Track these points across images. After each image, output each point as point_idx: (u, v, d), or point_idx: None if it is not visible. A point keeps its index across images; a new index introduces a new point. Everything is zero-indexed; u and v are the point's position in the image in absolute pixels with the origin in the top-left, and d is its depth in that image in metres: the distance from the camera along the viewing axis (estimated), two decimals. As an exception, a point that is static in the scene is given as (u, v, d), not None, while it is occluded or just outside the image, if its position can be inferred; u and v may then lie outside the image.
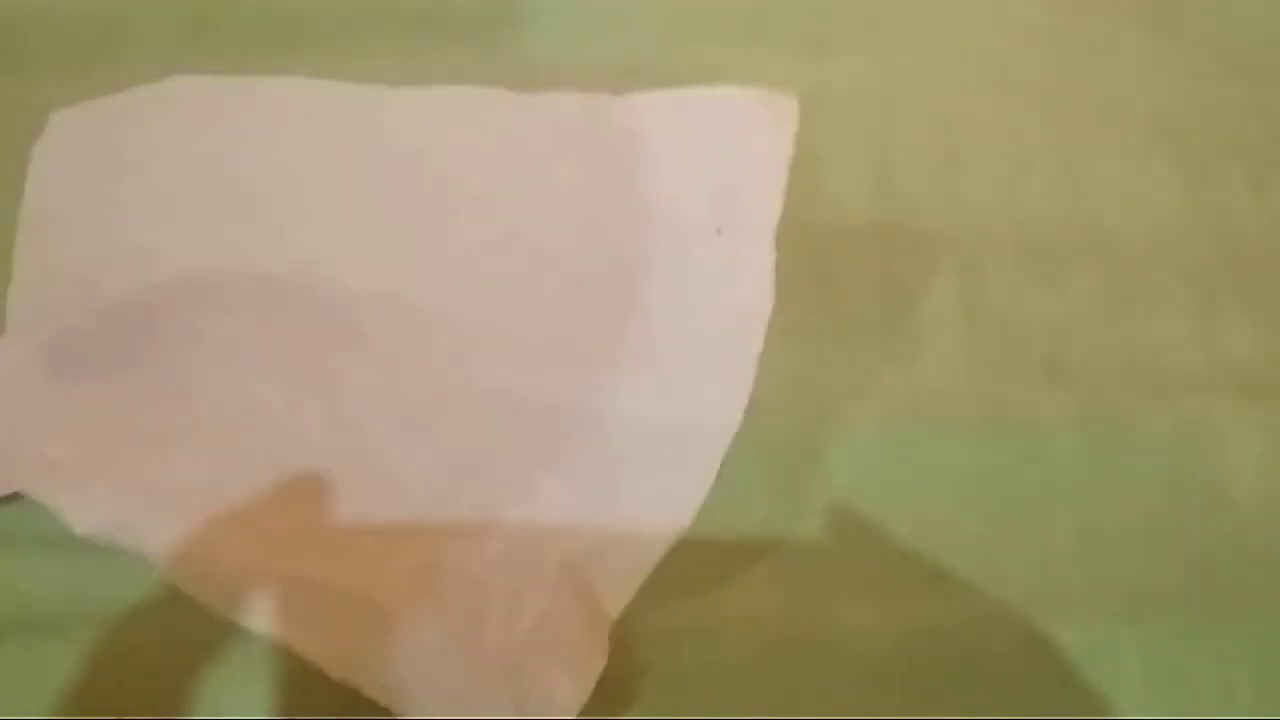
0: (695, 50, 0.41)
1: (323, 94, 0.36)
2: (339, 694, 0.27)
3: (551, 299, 0.33)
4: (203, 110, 0.35)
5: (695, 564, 0.29)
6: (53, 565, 0.30)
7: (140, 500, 0.29)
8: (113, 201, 0.34)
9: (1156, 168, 0.39)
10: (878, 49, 0.41)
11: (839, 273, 0.36)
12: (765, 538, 0.31)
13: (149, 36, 0.39)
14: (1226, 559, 0.31)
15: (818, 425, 0.33)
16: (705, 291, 0.32)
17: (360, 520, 0.30)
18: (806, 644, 0.29)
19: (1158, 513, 0.32)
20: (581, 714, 0.26)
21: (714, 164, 0.34)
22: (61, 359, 0.32)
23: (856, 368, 0.34)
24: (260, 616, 0.27)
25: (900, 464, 0.32)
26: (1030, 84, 0.41)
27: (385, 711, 0.26)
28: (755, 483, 0.31)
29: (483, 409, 0.31)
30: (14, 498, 0.30)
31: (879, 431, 0.32)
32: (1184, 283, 0.36)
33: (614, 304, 0.33)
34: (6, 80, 0.38)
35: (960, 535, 0.31)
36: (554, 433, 0.31)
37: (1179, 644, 0.29)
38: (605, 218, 0.34)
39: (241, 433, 0.31)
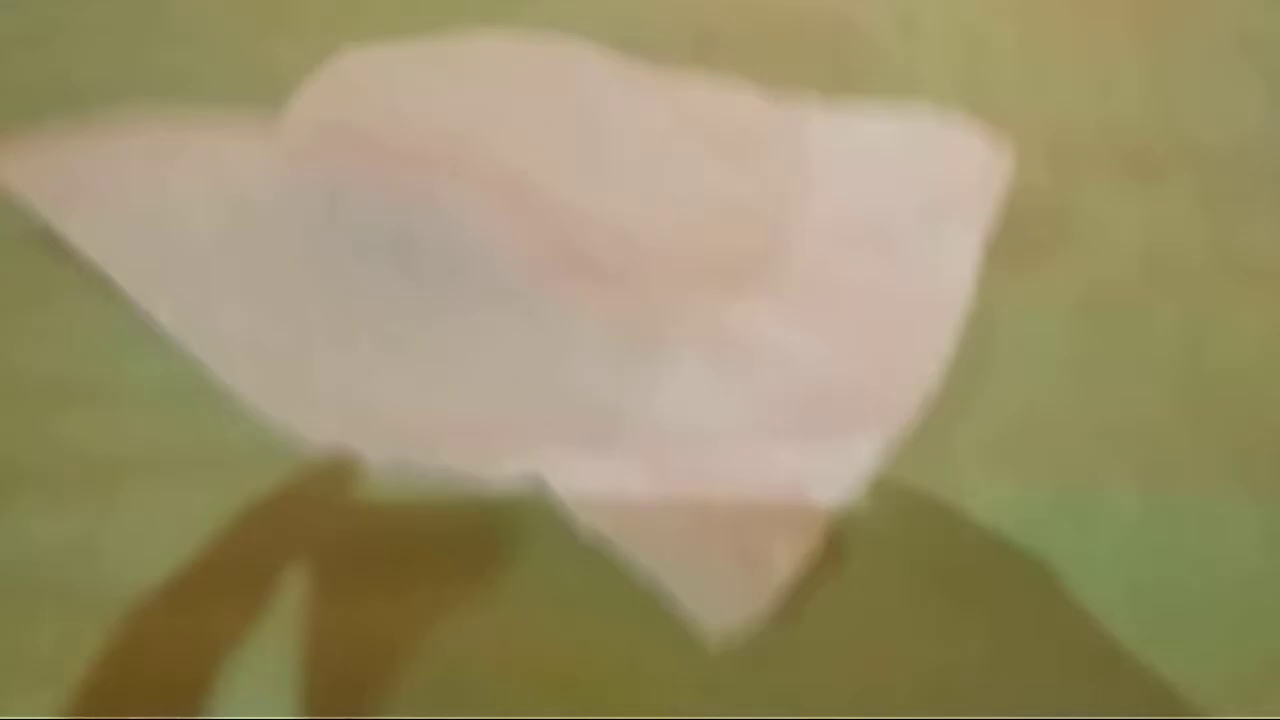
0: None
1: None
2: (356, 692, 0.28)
3: (752, 261, 0.35)
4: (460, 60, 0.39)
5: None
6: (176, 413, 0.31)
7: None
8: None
9: (1242, 80, 0.40)
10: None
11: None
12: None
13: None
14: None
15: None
16: (907, 275, 0.34)
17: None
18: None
19: (1257, 390, 0.32)
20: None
21: (929, 176, 0.36)
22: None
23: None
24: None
25: (1003, 346, 0.33)
26: (1113, 6, 0.42)
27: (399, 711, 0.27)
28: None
29: (694, 341, 0.32)
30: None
31: (984, 315, 0.33)
32: (1271, 191, 0.37)
33: (817, 274, 0.34)
34: None
35: (1066, 413, 0.31)
36: (759, 378, 0.32)
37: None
38: (810, 194, 0.36)
39: (469, 354, 0.32)
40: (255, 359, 0.32)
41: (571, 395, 0.31)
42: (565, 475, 0.29)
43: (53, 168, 0.34)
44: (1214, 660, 0.27)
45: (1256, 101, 0.39)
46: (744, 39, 0.41)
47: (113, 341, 0.32)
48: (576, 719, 0.26)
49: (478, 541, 0.29)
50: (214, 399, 0.31)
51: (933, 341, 0.32)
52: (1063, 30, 0.41)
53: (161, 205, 0.34)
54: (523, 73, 0.38)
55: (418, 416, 0.31)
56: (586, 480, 0.29)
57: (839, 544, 0.29)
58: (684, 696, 0.27)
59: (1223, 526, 0.29)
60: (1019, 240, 0.35)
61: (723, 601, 0.28)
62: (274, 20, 0.41)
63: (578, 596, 0.28)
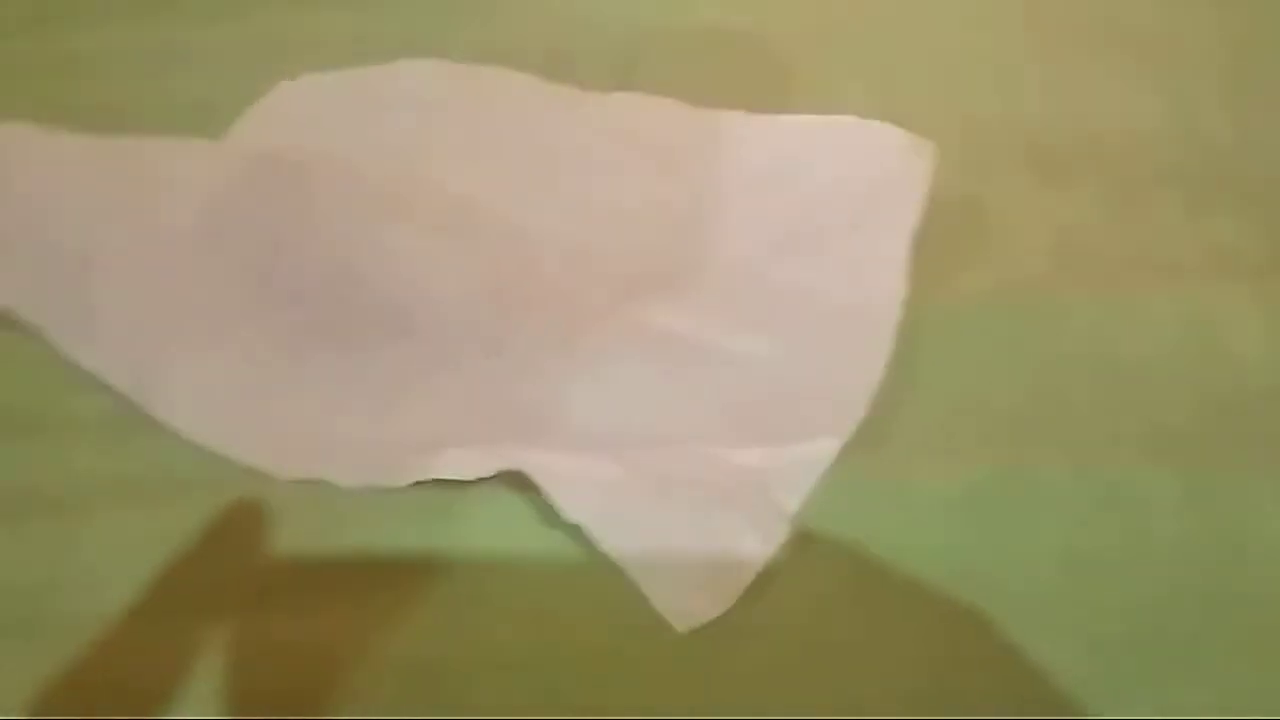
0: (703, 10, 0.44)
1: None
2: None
3: (686, 268, 0.36)
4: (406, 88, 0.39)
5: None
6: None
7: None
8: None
9: (1138, 80, 0.42)
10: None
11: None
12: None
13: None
14: (1232, 403, 0.33)
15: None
16: (840, 279, 0.35)
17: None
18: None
19: (1168, 373, 0.34)
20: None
21: (854, 176, 0.37)
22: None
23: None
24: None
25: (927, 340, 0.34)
26: (1016, 14, 0.44)
27: (377, 711, 0.27)
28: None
29: (646, 349, 0.33)
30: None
31: (907, 311, 0.34)
32: (1172, 184, 0.39)
33: (750, 279, 0.35)
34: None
35: (995, 402, 0.33)
36: (709, 381, 0.33)
37: (1203, 475, 0.32)
38: (738, 201, 0.37)
39: (435, 367, 0.33)
40: (210, 408, 0.32)
41: (528, 413, 0.32)
42: (540, 462, 0.30)
43: None
44: (1141, 620, 0.29)
45: (1152, 101, 0.41)
46: (663, 62, 0.42)
47: (56, 375, 0.32)
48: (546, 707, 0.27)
49: (437, 541, 0.30)
50: (164, 427, 0.31)
51: (874, 341, 0.33)
52: (968, 36, 0.43)
53: (91, 260, 0.33)
54: (454, 100, 0.39)
55: (382, 442, 0.31)
56: (559, 471, 0.30)
57: (798, 532, 0.30)
58: (652, 680, 0.28)
59: (1146, 497, 0.31)
60: (934, 238, 0.36)
61: (691, 595, 0.29)
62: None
63: (544, 586, 0.29)
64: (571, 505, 0.29)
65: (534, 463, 0.30)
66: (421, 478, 0.30)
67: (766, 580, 0.29)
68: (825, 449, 0.31)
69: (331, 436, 0.31)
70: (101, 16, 0.42)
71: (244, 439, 0.31)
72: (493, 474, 0.30)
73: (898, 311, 0.33)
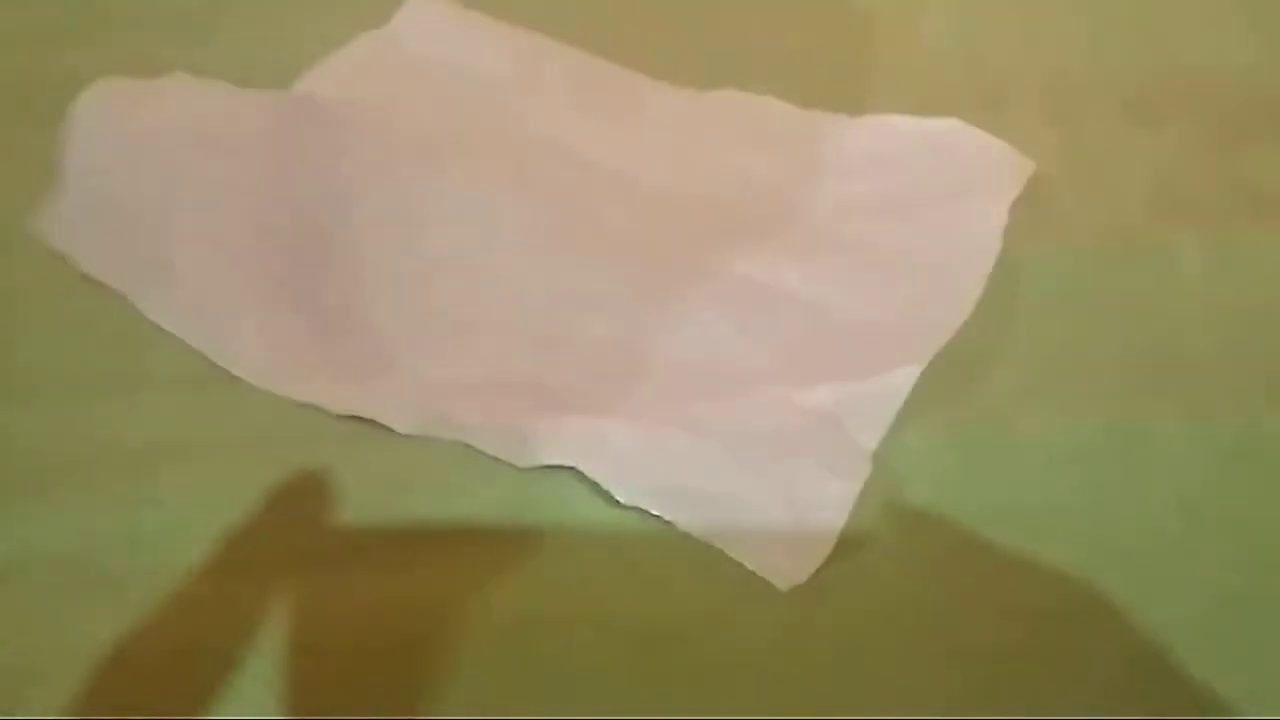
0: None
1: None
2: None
3: (770, 223, 0.34)
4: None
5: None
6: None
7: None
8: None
9: (1227, 18, 0.40)
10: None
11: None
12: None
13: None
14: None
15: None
16: (934, 238, 0.33)
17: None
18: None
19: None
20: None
21: (949, 173, 0.35)
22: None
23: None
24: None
25: (1028, 290, 0.33)
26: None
27: (475, 667, 0.27)
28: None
29: (720, 294, 0.32)
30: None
31: (1006, 262, 0.33)
32: (1266, 120, 0.37)
33: (837, 236, 0.34)
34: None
35: (1101, 349, 0.32)
36: (783, 324, 0.32)
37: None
38: (833, 176, 0.36)
39: (500, 308, 0.32)
40: (274, 353, 0.31)
41: (595, 353, 0.31)
42: (595, 444, 0.29)
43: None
44: (1271, 574, 0.28)
45: (1242, 36, 0.40)
46: (742, 19, 0.41)
47: (130, 331, 0.32)
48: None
49: (532, 499, 0.29)
50: (235, 380, 0.31)
51: (962, 286, 0.32)
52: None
53: (167, 223, 0.33)
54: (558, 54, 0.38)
55: (439, 386, 0.30)
56: (618, 448, 0.29)
57: (895, 485, 0.29)
58: (754, 639, 0.27)
59: (1266, 446, 0.30)
60: (1029, 184, 0.35)
61: (786, 551, 0.27)
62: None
63: (641, 545, 0.28)
64: (629, 492, 0.28)
65: (589, 447, 0.29)
66: (475, 444, 0.29)
67: (868, 536, 0.28)
68: (901, 379, 0.30)
69: (388, 379, 0.30)
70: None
71: (302, 377, 0.30)
72: (540, 466, 0.29)
73: (990, 261, 0.32)
